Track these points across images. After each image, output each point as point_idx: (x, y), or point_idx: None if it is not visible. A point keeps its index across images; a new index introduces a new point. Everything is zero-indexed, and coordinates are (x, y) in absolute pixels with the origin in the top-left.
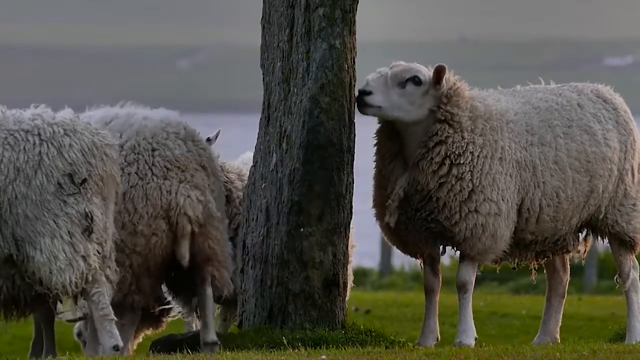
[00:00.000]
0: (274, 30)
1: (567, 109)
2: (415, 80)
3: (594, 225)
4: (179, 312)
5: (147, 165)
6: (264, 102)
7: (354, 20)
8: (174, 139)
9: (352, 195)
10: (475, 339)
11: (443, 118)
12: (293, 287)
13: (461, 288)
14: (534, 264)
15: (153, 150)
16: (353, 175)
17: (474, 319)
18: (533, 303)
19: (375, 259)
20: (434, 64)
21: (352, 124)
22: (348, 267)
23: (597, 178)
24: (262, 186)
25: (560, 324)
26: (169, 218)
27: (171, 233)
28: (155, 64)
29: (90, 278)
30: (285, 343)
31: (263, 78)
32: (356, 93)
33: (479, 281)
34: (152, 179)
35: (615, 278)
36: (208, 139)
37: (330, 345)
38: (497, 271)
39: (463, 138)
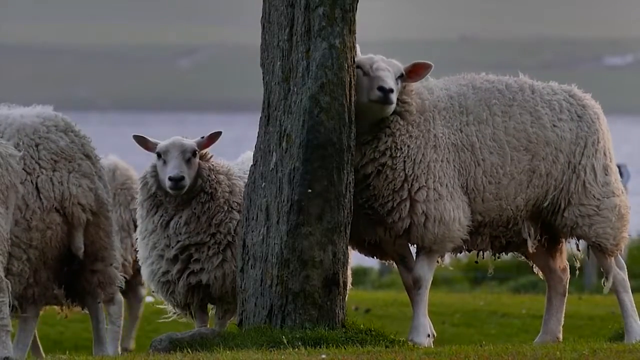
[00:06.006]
0: (274, 29)
1: (512, 90)
2: (402, 77)
3: (553, 226)
4: (174, 312)
5: (34, 159)
6: (263, 101)
7: (354, 20)
8: (55, 131)
9: (352, 194)
10: (429, 336)
11: (399, 110)
12: (293, 286)
13: (415, 283)
14: (492, 254)
15: (37, 145)
16: (353, 175)
17: (474, 317)
18: (533, 302)
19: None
20: (435, 63)
21: (352, 123)
22: (348, 266)
23: (539, 160)
24: (262, 185)
25: (562, 322)
26: (63, 209)
27: (66, 225)
28: (155, 64)
29: None
30: (285, 342)
31: (263, 77)
32: (353, 92)
33: (478, 281)
34: (42, 172)
35: (602, 281)
36: (203, 138)
37: (330, 345)
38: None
39: (407, 132)
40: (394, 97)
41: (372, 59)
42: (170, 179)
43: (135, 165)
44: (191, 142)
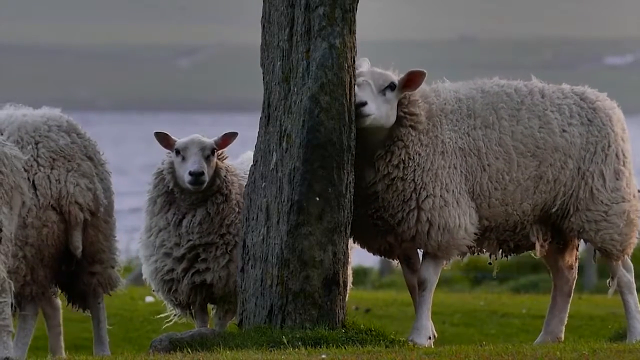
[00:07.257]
0: (274, 29)
1: (521, 94)
2: (392, 87)
3: (561, 229)
4: (174, 314)
5: (32, 157)
6: (264, 102)
7: (354, 20)
8: (57, 130)
9: (352, 194)
10: (431, 337)
11: (410, 124)
12: (293, 286)
13: (420, 285)
14: (502, 256)
15: (37, 143)
16: (353, 174)
17: (474, 317)
18: (533, 302)
19: (375, 258)
20: (435, 63)
21: (352, 123)
22: (348, 266)
23: (547, 166)
24: (262, 185)
25: (565, 323)
26: (60, 207)
27: (62, 224)
28: (155, 64)
29: None
30: (286, 342)
31: (263, 77)
32: (353, 92)
33: (479, 281)
34: (39, 169)
35: (607, 281)
36: (219, 137)
37: (331, 345)
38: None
39: (419, 141)
40: (367, 109)
41: (356, 72)
42: (190, 173)
43: (136, 167)
44: (210, 140)
